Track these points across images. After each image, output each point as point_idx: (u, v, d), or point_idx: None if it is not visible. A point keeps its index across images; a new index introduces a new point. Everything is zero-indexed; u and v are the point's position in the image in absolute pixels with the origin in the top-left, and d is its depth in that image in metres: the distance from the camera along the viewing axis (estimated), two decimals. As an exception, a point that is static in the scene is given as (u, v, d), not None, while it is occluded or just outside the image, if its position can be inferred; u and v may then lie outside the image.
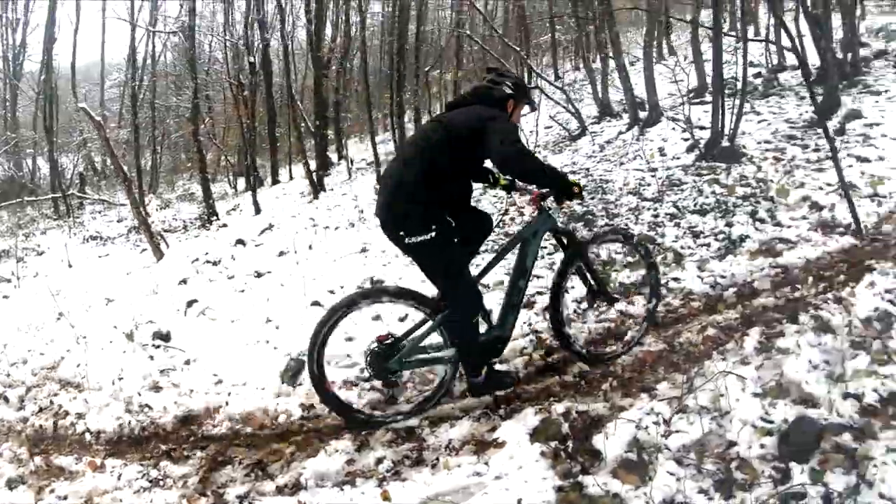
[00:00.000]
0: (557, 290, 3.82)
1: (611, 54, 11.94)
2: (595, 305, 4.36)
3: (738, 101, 8.08)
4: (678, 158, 8.42)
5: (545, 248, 5.45)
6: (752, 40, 11.19)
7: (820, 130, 7.98)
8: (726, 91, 9.20)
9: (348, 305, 3.47)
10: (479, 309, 3.52)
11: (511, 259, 3.85)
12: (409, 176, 3.27)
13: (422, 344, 3.55)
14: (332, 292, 5.72)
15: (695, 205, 6.71)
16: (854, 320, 3.86)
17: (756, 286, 4.87)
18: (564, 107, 12.71)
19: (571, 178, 3.46)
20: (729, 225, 6.05)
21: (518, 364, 4.17)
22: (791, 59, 12.30)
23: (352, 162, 18.55)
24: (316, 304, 5.42)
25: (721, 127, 8.03)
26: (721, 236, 5.91)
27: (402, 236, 3.27)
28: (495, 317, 3.76)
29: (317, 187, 14.77)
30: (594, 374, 3.91)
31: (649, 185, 7.56)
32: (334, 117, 21.62)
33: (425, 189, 3.22)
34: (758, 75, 12.32)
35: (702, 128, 8.60)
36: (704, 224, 6.20)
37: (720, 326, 4.24)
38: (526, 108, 3.72)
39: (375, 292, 3.82)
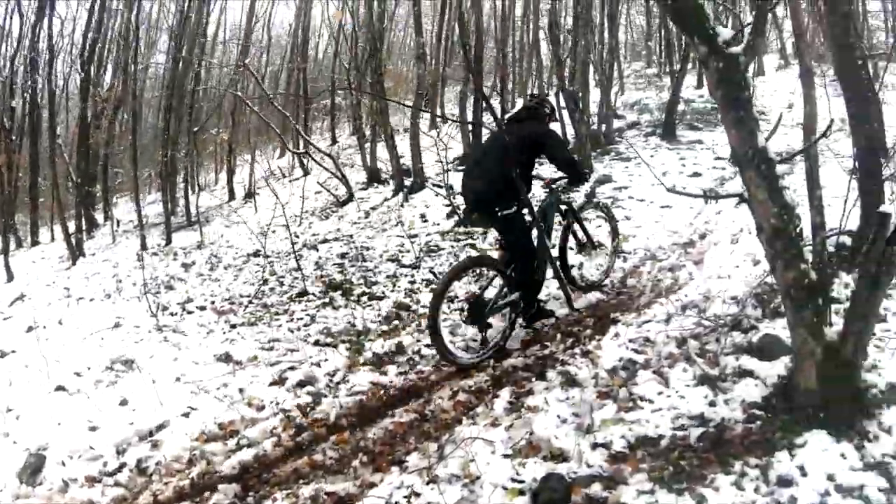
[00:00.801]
0: (564, 247, 5.88)
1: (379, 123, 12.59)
2: (586, 253, 6.28)
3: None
4: (438, 224, 8.86)
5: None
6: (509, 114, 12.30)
7: (572, 195, 8.95)
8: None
9: (455, 276, 5.06)
10: (535, 259, 5.16)
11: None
12: (499, 169, 4.88)
13: (500, 294, 5.01)
14: (78, 374, 5.25)
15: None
16: (600, 372, 4.15)
17: (507, 346, 5.13)
18: (333, 173, 13.00)
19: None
20: (483, 289, 6.35)
21: (267, 446, 4.05)
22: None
23: (118, 223, 17.40)
24: (61, 388, 4.97)
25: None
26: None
27: (496, 210, 4.96)
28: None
29: (75, 252, 13.70)
30: (344, 450, 3.89)
31: (408, 251, 7.83)
32: (103, 173, 20.28)
33: (510, 176, 4.86)
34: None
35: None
36: (460, 288, 6.41)
37: (471, 390, 4.38)
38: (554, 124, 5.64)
39: (472, 263, 5.42)
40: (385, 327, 5.94)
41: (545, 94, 8.01)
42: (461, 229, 8.26)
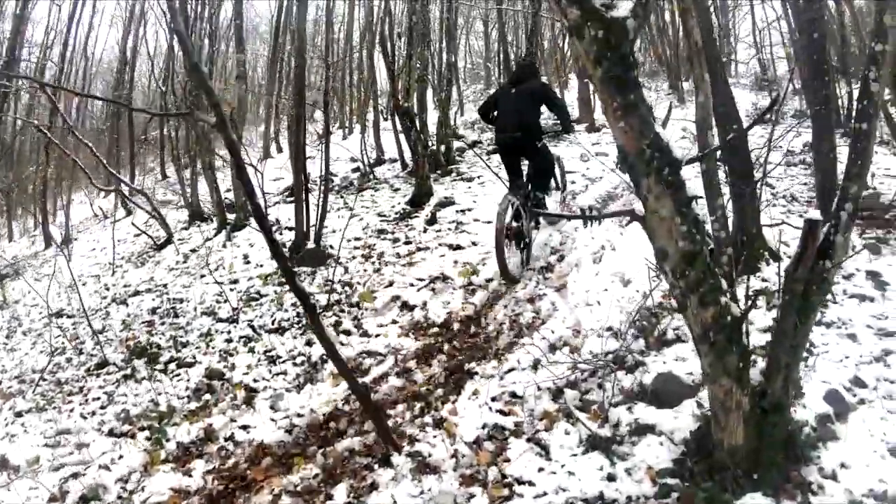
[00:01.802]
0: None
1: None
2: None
3: (339, 198, 7.75)
4: (262, 266, 7.59)
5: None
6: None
7: (412, 221, 8.03)
8: (323, 187, 8.97)
9: (505, 210, 5.73)
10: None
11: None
12: (528, 117, 6.28)
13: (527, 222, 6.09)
14: None
15: (273, 322, 5.84)
16: (460, 447, 3.28)
17: (340, 423, 4.00)
18: (148, 212, 11.29)
19: None
20: (309, 344, 5.25)
21: None
22: (390, 152, 12.90)
23: None
24: None
25: (307, 227, 7.49)
26: (301, 359, 5.10)
27: (534, 143, 6.32)
28: None
29: None
30: None
31: (226, 301, 6.54)
32: None
33: (536, 121, 6.40)
34: (356, 170, 12.51)
35: (291, 228, 8.00)
36: (283, 345, 5.33)
37: (298, 491, 3.22)
38: None
39: (512, 198, 5.95)
40: (194, 404, 4.64)
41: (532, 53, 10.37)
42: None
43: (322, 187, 7.70)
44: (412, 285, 5.96)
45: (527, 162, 6.59)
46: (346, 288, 6.29)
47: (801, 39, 5.85)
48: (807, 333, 2.72)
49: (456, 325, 5.14)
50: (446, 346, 4.80)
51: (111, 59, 24.48)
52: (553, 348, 4.37)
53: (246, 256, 8.11)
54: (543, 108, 6.62)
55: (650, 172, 2.19)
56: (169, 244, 10.40)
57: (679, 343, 4.08)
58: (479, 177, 9.85)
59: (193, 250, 9.51)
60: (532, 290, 5.47)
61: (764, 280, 4.77)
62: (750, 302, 2.62)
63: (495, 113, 6.60)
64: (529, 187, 6.44)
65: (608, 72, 2.14)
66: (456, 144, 12.48)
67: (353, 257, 7.14)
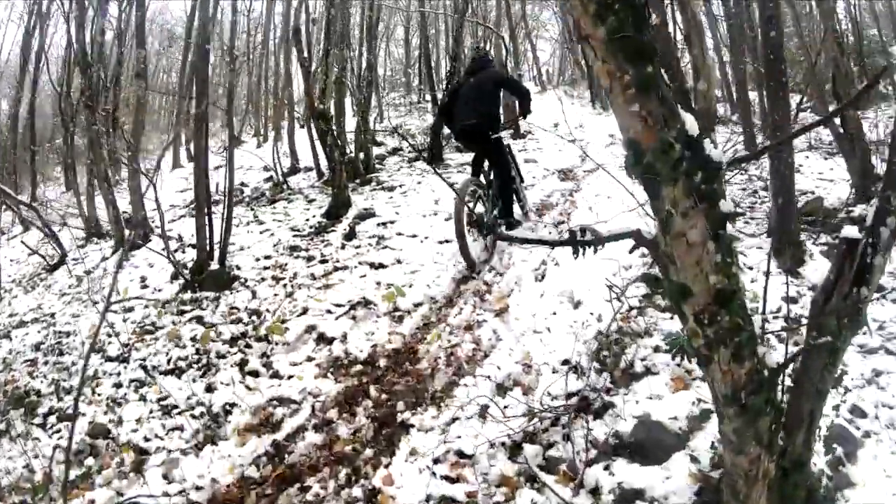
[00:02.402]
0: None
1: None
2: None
3: (250, 211, 6.82)
4: (160, 290, 6.58)
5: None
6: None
7: (328, 236, 7.20)
8: (227, 200, 8.04)
9: (464, 194, 5.66)
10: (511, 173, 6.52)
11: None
12: (486, 106, 6.16)
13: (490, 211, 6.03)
14: None
15: (169, 361, 4.90)
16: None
17: (247, 499, 3.16)
18: (40, 228, 9.93)
19: None
20: (210, 389, 4.41)
21: None
22: (305, 160, 11.98)
23: None
24: None
25: (210, 245, 6.55)
26: (200, 410, 4.19)
27: (490, 134, 6.05)
28: None
29: None
30: None
31: (118, 334, 5.54)
32: None
33: (495, 110, 6.33)
34: (269, 179, 11.56)
35: (195, 246, 6.99)
36: (180, 391, 4.43)
37: None
38: None
39: (470, 184, 5.92)
40: (75, 471, 3.68)
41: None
42: (188, 295, 6.08)
43: (226, 200, 6.73)
44: (329, 312, 5.14)
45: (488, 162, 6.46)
46: (254, 317, 5.41)
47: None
48: (833, 376, 2.14)
49: (382, 362, 4.36)
50: (373, 389, 4.01)
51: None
52: (502, 389, 3.68)
53: (143, 279, 7.06)
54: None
55: (677, 178, 1.52)
56: (62, 265, 9.14)
57: (650, 376, 3.53)
58: (400, 185, 9.11)
59: (88, 272, 8.29)
60: (469, 316, 4.77)
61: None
62: (788, 349, 1.99)
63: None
64: (497, 200, 6.18)
65: (616, 31, 1.46)
66: (376, 151, 11.70)
67: (263, 279, 6.24)
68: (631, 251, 2.16)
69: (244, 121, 19.95)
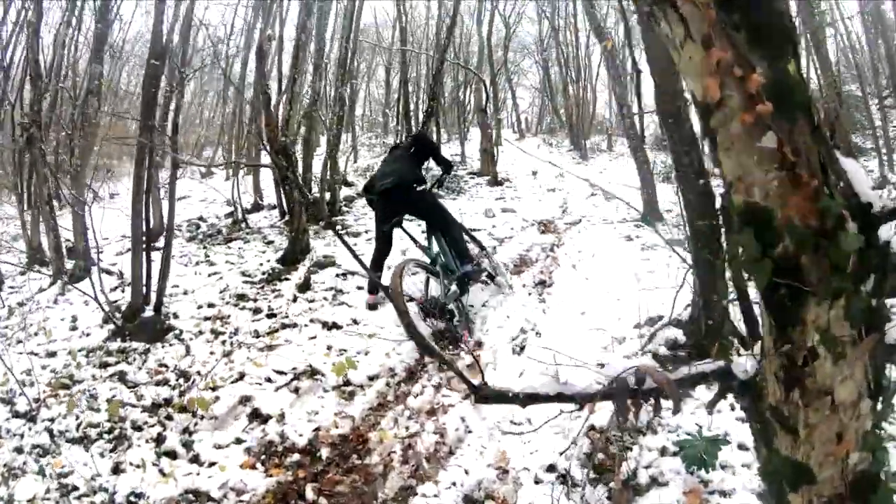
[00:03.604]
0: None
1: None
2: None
3: (202, 248, 5.93)
4: (89, 334, 5.66)
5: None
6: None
7: (281, 285, 6.35)
8: (188, 235, 7.25)
9: (401, 274, 4.68)
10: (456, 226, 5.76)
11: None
12: (408, 167, 5.65)
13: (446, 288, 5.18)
14: None
15: (79, 426, 3.93)
16: None
17: None
18: None
19: None
20: (118, 470, 3.48)
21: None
22: (271, 197, 11.14)
23: None
24: None
25: (147, 288, 5.65)
26: (101, 498, 3.27)
27: (414, 187, 5.42)
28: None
29: None
30: None
31: (34, 384, 4.60)
32: None
33: (414, 170, 5.70)
34: (229, 215, 10.62)
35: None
36: (85, 466, 3.49)
37: None
38: None
39: (407, 263, 5.00)
40: None
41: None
42: (116, 344, 5.19)
43: (165, 239, 5.85)
44: (269, 381, 4.27)
45: (425, 224, 5.76)
46: (182, 380, 4.53)
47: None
48: None
49: (325, 451, 3.48)
50: (309, 489, 3.15)
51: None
52: (471, 503, 2.86)
53: (74, 319, 6.11)
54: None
55: (842, 290, 0.75)
56: None
57: (657, 487, 2.84)
58: (367, 231, 8.31)
59: (22, 304, 7.32)
60: (432, 397, 3.94)
61: None
62: None
63: None
64: (452, 258, 5.45)
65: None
66: (345, 192, 10.91)
67: (200, 332, 5.36)
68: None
69: (216, 152, 19.10)
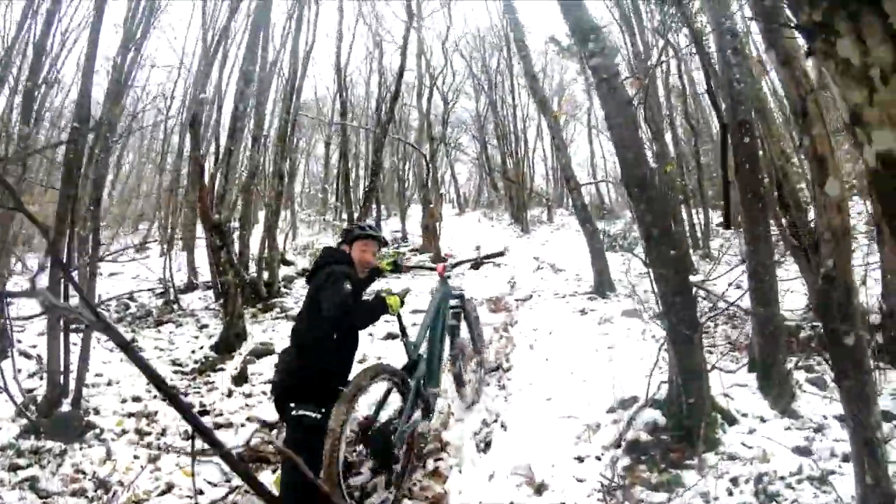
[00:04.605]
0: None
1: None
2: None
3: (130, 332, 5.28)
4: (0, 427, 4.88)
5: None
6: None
7: (215, 376, 5.73)
8: (115, 316, 6.39)
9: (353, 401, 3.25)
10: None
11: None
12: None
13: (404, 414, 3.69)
14: None
15: None
16: None
17: None
18: None
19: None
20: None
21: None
22: (206, 275, 10.46)
23: None
24: None
25: (65, 379, 4.96)
26: None
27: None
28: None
29: None
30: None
31: None
32: None
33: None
34: (161, 295, 9.91)
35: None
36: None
37: None
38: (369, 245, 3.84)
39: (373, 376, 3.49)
40: None
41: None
42: (28, 443, 4.47)
43: (84, 326, 5.21)
44: (201, 493, 3.67)
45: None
46: (101, 490, 3.89)
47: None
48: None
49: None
50: None
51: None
52: None
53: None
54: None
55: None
56: None
57: None
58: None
59: None
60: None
61: (731, 458, 3.25)
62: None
63: None
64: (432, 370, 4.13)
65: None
66: (283, 272, 10.34)
67: (124, 432, 4.72)
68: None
69: (152, 226, 18.25)
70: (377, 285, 4.25)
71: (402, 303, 3.57)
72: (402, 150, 18.91)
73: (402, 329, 3.95)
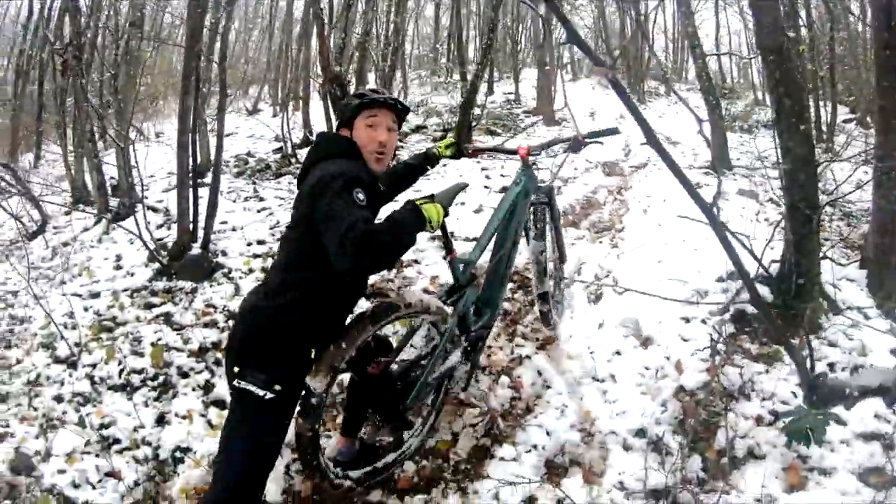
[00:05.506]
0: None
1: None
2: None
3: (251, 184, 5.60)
4: (133, 274, 5.43)
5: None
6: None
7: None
8: (235, 170, 6.91)
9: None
10: None
11: None
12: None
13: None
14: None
15: (121, 373, 3.78)
16: None
17: None
18: (19, 192, 8.77)
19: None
20: (162, 421, 3.32)
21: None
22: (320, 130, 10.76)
23: None
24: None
25: (194, 225, 5.45)
26: (145, 452, 3.09)
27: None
28: None
29: None
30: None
31: (75, 328, 4.43)
32: None
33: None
34: (278, 150, 10.33)
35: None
36: (128, 417, 3.33)
37: None
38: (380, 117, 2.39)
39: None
40: None
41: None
42: (161, 284, 4.99)
43: (213, 174, 5.58)
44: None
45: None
46: (231, 321, 4.29)
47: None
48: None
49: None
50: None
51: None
52: (555, 470, 2.63)
53: (119, 258, 5.91)
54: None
55: None
56: (42, 233, 8.01)
57: (753, 461, 2.56)
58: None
59: (66, 244, 7.16)
60: (505, 349, 3.66)
61: (831, 344, 3.22)
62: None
63: None
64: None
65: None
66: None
67: (251, 270, 5.14)
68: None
69: (262, 89, 18.81)
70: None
71: (447, 212, 2.39)
72: (516, 10, 18.09)
73: (448, 245, 2.80)
